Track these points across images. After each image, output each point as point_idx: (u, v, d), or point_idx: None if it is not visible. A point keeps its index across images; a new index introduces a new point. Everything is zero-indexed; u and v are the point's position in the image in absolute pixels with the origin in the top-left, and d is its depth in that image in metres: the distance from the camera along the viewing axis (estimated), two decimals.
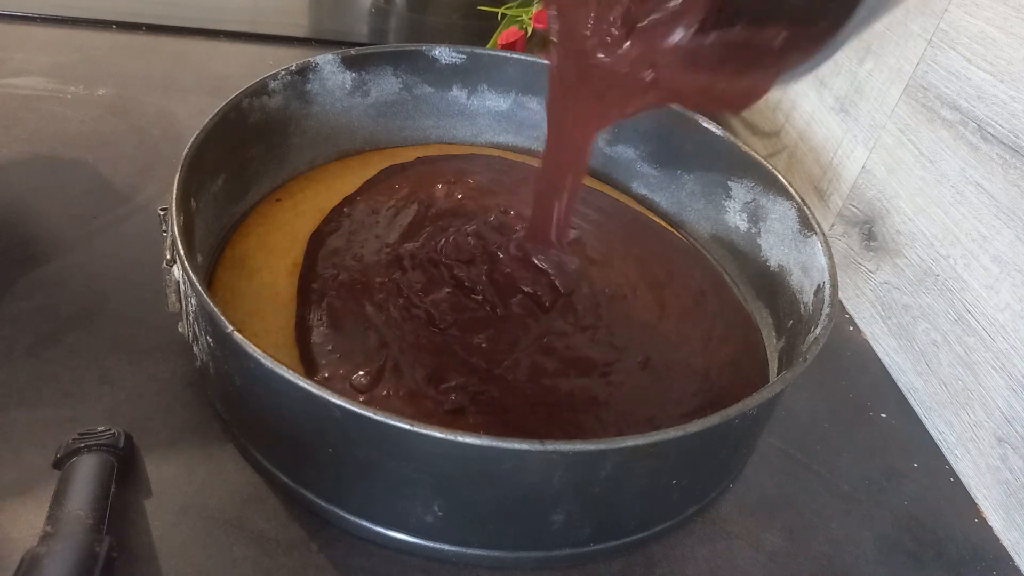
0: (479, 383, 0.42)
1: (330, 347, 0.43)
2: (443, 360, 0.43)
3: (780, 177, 0.51)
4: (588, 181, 0.62)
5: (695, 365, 0.46)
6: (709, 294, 0.53)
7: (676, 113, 0.57)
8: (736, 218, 0.55)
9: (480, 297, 0.47)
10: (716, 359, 0.47)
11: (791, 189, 0.50)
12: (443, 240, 0.50)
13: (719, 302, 0.52)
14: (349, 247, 0.50)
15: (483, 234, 0.51)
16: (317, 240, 0.50)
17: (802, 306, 0.47)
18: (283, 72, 0.52)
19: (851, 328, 0.57)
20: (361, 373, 0.41)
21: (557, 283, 0.48)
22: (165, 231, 0.39)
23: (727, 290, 0.54)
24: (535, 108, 0.63)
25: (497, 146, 0.64)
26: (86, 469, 0.35)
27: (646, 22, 0.33)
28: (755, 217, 0.54)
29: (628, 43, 0.34)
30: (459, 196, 0.56)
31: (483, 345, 0.44)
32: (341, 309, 0.45)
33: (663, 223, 0.59)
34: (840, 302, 0.58)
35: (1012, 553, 0.43)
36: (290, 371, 0.32)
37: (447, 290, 0.47)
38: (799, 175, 0.66)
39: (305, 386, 0.31)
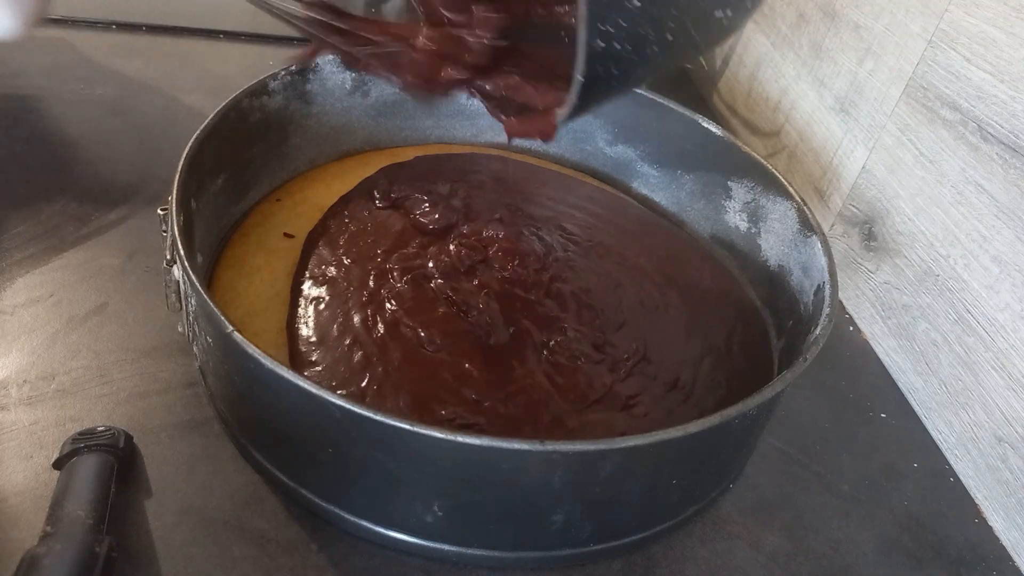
0: (468, 415, 0.39)
1: (313, 358, 0.42)
2: (430, 387, 0.40)
3: (780, 177, 0.51)
4: (589, 180, 0.62)
5: (717, 377, 0.46)
6: (727, 296, 0.52)
7: (676, 113, 0.57)
8: (736, 218, 0.55)
9: (476, 324, 0.44)
10: (736, 366, 0.47)
11: (791, 189, 0.50)
12: (438, 251, 0.49)
13: (734, 303, 0.52)
14: (343, 251, 0.49)
15: (475, 244, 0.50)
16: (311, 242, 0.49)
17: (802, 306, 0.47)
18: (283, 72, 0.52)
19: (851, 328, 0.57)
20: (342, 393, 0.39)
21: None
22: (165, 231, 0.39)
23: (740, 290, 0.54)
24: None
25: (497, 146, 0.64)
26: (86, 469, 0.35)
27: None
28: (755, 217, 0.54)
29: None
30: (458, 196, 0.56)
31: (475, 373, 0.41)
32: (328, 319, 0.44)
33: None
34: (840, 302, 0.58)
35: (1012, 553, 0.43)
36: (290, 371, 0.32)
37: (440, 309, 0.44)
38: (799, 175, 0.65)
39: (305, 386, 0.31)
